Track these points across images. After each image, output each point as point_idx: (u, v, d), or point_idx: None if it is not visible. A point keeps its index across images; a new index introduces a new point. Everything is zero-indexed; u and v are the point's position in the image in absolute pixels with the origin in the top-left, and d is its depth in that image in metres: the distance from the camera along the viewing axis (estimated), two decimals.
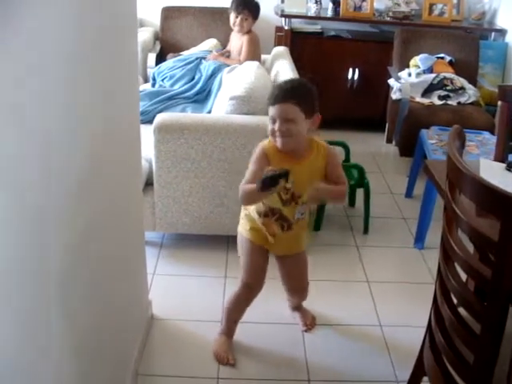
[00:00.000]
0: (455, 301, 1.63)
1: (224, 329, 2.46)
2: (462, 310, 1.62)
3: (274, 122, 2.07)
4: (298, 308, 2.66)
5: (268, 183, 1.94)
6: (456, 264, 1.57)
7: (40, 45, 1.15)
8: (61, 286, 1.38)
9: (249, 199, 2.16)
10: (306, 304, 2.68)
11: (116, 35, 1.78)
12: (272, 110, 2.07)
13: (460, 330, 1.56)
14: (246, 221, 2.29)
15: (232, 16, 3.95)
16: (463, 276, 1.59)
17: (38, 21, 1.14)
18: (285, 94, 2.06)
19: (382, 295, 2.86)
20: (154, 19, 5.02)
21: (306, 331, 2.59)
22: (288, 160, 2.10)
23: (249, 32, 3.96)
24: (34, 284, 1.21)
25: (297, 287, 2.55)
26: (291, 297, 2.61)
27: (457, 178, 1.52)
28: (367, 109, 5.04)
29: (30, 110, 1.13)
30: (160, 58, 4.56)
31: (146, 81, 4.37)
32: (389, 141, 4.86)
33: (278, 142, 2.09)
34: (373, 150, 4.78)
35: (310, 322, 2.62)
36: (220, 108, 3.17)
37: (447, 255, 1.61)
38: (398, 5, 4.92)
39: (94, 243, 1.65)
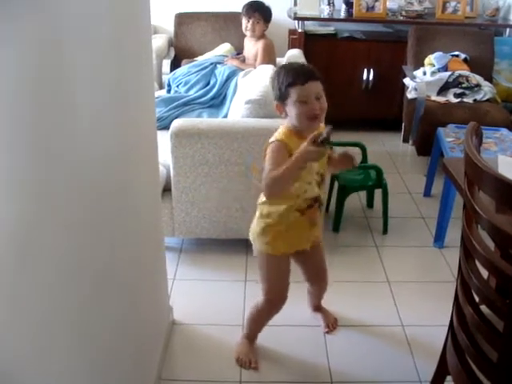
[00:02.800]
0: (477, 299, 1.62)
1: (246, 334, 2.46)
2: (484, 308, 1.61)
3: (305, 102, 1.98)
4: (319, 308, 2.66)
5: (324, 142, 1.87)
6: (477, 262, 1.57)
7: (55, 58, 1.17)
8: (80, 293, 1.39)
9: (283, 181, 1.97)
10: (327, 304, 2.68)
11: (131, 41, 1.79)
12: (302, 90, 1.97)
13: (483, 328, 1.55)
14: (266, 233, 2.18)
15: (244, 21, 3.97)
16: (484, 273, 1.58)
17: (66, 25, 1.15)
18: (310, 72, 2.02)
19: (403, 295, 2.85)
20: (168, 26, 5.05)
21: (327, 333, 2.58)
22: (305, 141, 1.98)
23: (263, 37, 3.97)
24: (57, 292, 1.23)
25: (322, 274, 2.49)
26: (315, 288, 2.57)
27: (475, 175, 1.51)
28: (383, 109, 5.03)
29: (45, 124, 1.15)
30: (175, 65, 4.59)
31: (161, 87, 4.40)
32: (405, 140, 4.83)
33: (312, 123, 2.01)
34: (390, 150, 4.77)
35: (332, 324, 2.61)
36: (236, 112, 3.18)
37: (468, 253, 1.60)
38: (411, 3, 4.90)
39: (114, 250, 1.66)
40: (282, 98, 2.03)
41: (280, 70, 2.08)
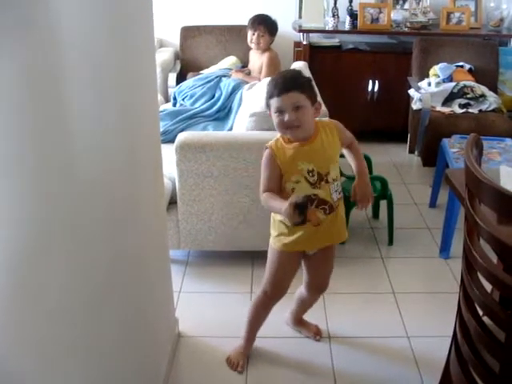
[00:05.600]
0: (479, 310, 1.62)
1: (245, 336, 2.50)
2: (486, 319, 1.61)
3: (281, 113, 2.06)
4: (300, 322, 2.66)
5: (300, 208, 1.93)
6: (479, 274, 1.57)
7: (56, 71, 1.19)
8: (86, 306, 1.40)
9: (270, 210, 2.17)
10: (332, 316, 2.69)
11: (134, 56, 1.82)
12: (278, 102, 2.05)
13: (485, 339, 1.56)
14: (286, 236, 2.22)
15: (249, 34, 4.01)
16: (486, 284, 1.58)
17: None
18: (288, 83, 2.06)
19: (409, 306, 2.85)
20: (174, 39, 5.09)
21: (318, 340, 2.60)
22: (298, 146, 2.12)
23: (268, 50, 4.00)
24: (60, 303, 1.24)
25: (321, 285, 2.48)
26: (308, 297, 2.53)
27: (476, 187, 1.52)
28: (388, 120, 5.04)
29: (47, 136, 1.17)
30: (181, 78, 4.62)
31: (167, 100, 4.42)
32: (411, 151, 4.84)
33: (290, 133, 2.10)
34: (395, 160, 4.78)
35: (318, 330, 2.63)
36: (241, 125, 3.20)
37: (470, 265, 1.61)
38: (416, 15, 4.92)
39: (119, 264, 1.68)
40: (267, 106, 2.14)
41: (269, 80, 2.17)
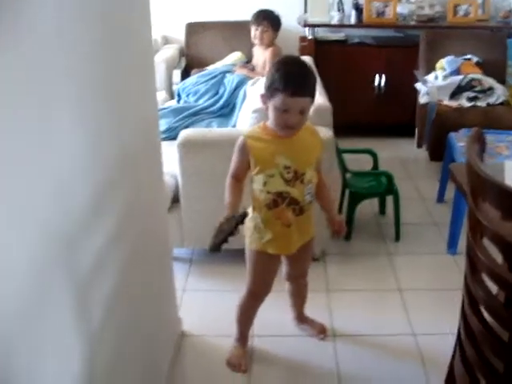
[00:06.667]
0: (483, 310, 1.59)
1: (237, 337, 2.48)
2: (490, 319, 1.58)
3: (285, 112, 1.98)
4: (303, 319, 2.64)
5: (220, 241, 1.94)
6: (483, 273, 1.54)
7: (52, 70, 1.17)
8: (85, 305, 1.39)
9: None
10: (337, 313, 2.66)
11: (130, 52, 1.79)
12: (287, 101, 1.96)
13: (488, 338, 1.52)
14: (257, 234, 2.21)
15: (252, 29, 3.97)
16: (491, 285, 1.55)
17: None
18: (304, 86, 1.99)
19: (415, 303, 2.82)
20: (179, 36, 5.06)
21: (323, 339, 2.57)
22: (276, 141, 2.08)
23: (272, 45, 3.97)
24: (61, 304, 1.22)
25: (300, 274, 2.48)
26: (293, 288, 2.55)
27: (478, 184, 1.48)
28: (396, 114, 5.00)
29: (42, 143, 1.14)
30: (186, 74, 4.59)
31: (171, 97, 4.40)
32: (419, 145, 4.80)
33: (286, 131, 2.05)
34: (403, 155, 4.74)
35: (322, 329, 2.60)
36: (244, 121, 3.17)
37: (473, 264, 1.57)
38: (422, 8, 4.86)
39: (120, 264, 1.66)
40: (268, 92, 2.02)
41: (279, 64, 2.04)
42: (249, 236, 2.25)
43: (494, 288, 1.54)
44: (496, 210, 1.45)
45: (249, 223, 2.22)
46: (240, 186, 2.15)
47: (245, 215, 2.03)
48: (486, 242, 1.52)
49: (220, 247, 1.93)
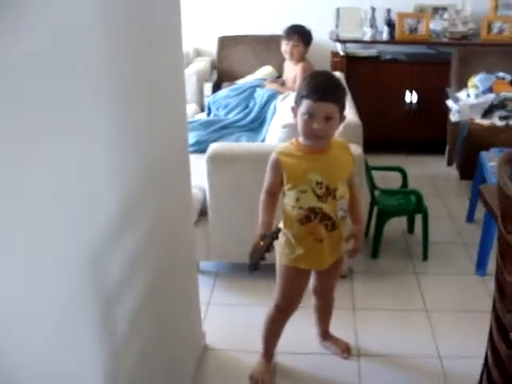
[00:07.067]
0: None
1: (263, 352, 2.46)
2: None
3: (311, 117, 2.01)
4: (327, 336, 2.61)
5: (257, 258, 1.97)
6: None
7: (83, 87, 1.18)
8: (111, 318, 1.39)
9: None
10: (362, 332, 2.63)
11: (162, 65, 1.81)
12: (312, 106, 2.00)
13: None
14: (288, 250, 2.21)
15: (283, 44, 3.98)
16: None
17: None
18: (329, 92, 2.02)
19: (442, 324, 2.78)
20: (211, 48, 5.11)
21: (346, 358, 2.54)
22: (309, 155, 2.10)
23: (302, 60, 3.97)
24: (86, 317, 1.23)
25: (327, 288, 2.47)
26: (319, 304, 2.54)
27: (509, 207, 1.46)
28: (427, 132, 4.96)
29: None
30: (217, 87, 4.62)
31: (202, 110, 4.42)
32: (449, 164, 4.76)
33: (312, 140, 2.07)
34: (433, 173, 4.69)
35: (347, 348, 2.57)
36: (273, 136, 3.17)
37: (502, 289, 1.54)
38: (455, 25, 4.83)
39: (145, 277, 1.67)
40: (297, 103, 2.08)
41: (308, 77, 2.12)
42: (279, 251, 2.24)
43: None
44: None
45: (280, 239, 2.21)
46: (274, 202, 2.15)
47: (278, 231, 2.06)
48: None
49: (258, 265, 1.97)
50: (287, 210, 2.17)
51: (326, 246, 2.18)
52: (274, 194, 2.15)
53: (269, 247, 1.98)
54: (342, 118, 2.10)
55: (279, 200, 2.19)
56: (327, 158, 2.12)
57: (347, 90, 3.61)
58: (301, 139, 2.12)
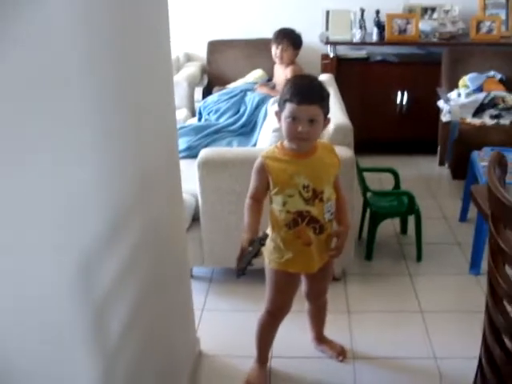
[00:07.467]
0: (505, 337, 1.55)
1: (257, 357, 2.46)
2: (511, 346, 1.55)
3: (295, 121, 2.00)
4: (322, 340, 2.61)
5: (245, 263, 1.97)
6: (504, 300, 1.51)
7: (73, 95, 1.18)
8: (103, 324, 1.39)
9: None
10: (357, 334, 2.63)
11: (151, 71, 1.80)
12: (295, 109, 1.99)
13: (510, 366, 1.49)
14: (277, 254, 2.20)
15: (273, 48, 3.99)
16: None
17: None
18: (312, 95, 2.02)
19: (437, 325, 2.77)
20: (201, 53, 5.10)
21: (342, 361, 2.54)
22: (295, 159, 2.09)
23: (292, 64, 3.97)
24: (78, 324, 1.22)
25: (319, 292, 2.46)
26: (312, 308, 2.54)
27: (499, 210, 1.46)
28: (418, 132, 4.96)
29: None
30: (208, 92, 4.62)
31: (193, 115, 4.42)
32: (441, 163, 4.77)
33: (296, 143, 2.06)
34: (425, 173, 4.70)
35: (342, 351, 2.57)
36: (265, 140, 3.16)
37: (494, 290, 1.54)
38: (444, 25, 4.84)
39: (138, 283, 1.66)
40: (280, 107, 2.08)
41: (289, 81, 2.11)
42: (268, 256, 2.24)
43: None
44: None
45: (268, 243, 2.21)
46: (259, 208, 2.15)
47: (266, 237, 2.05)
48: (508, 267, 1.49)
49: (245, 271, 1.97)
50: (275, 215, 2.16)
51: (314, 250, 2.18)
52: (258, 199, 2.15)
53: (257, 253, 1.97)
54: (327, 120, 2.09)
55: (266, 205, 2.18)
56: (313, 161, 2.11)
57: (338, 91, 3.64)
58: (286, 143, 2.11)
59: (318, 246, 2.19)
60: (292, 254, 2.17)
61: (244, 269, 1.95)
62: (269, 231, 2.20)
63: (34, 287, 1.06)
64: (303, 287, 2.42)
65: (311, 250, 2.18)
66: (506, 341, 1.55)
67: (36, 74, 1.04)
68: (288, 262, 2.19)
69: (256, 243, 1.99)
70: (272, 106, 3.50)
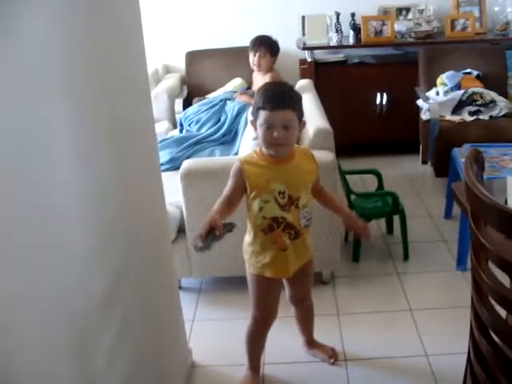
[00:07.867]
0: (491, 331, 1.57)
1: (248, 365, 2.46)
2: (498, 340, 1.56)
3: (269, 128, 2.01)
4: (312, 344, 2.62)
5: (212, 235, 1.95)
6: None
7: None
8: (91, 340, 1.39)
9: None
10: (348, 336, 2.65)
11: (126, 83, 1.80)
12: (268, 116, 2.00)
13: (497, 359, 1.51)
14: (255, 258, 2.21)
15: (250, 55, 4.00)
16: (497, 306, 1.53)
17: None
18: (284, 100, 2.03)
19: (427, 323, 2.79)
20: (180, 64, 5.10)
21: (333, 363, 2.55)
22: (272, 165, 2.10)
23: (270, 70, 3.99)
24: (67, 336, 1.22)
25: (302, 297, 2.47)
26: (298, 313, 2.54)
27: (478, 207, 1.47)
28: (399, 132, 4.98)
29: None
30: (188, 103, 4.62)
31: (174, 127, 4.42)
32: (424, 162, 4.79)
33: (274, 149, 2.07)
34: (409, 172, 4.73)
35: (333, 353, 2.58)
36: (246, 148, 3.17)
37: (478, 286, 1.56)
38: (419, 24, 4.88)
39: (126, 298, 1.66)
40: (254, 116, 2.09)
41: (261, 89, 2.11)
42: (247, 260, 2.26)
43: (500, 309, 1.53)
44: (498, 232, 1.43)
45: (247, 248, 2.23)
46: (230, 207, 2.12)
47: (234, 226, 2.03)
48: (491, 263, 1.51)
49: (205, 250, 1.95)
50: (252, 220, 2.18)
51: (290, 255, 2.19)
52: (231, 200, 2.12)
53: (220, 237, 1.96)
54: (302, 122, 2.11)
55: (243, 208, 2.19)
56: (290, 168, 2.13)
57: (317, 96, 3.67)
58: (264, 149, 2.12)
59: (294, 250, 2.21)
60: (269, 258, 2.18)
61: (206, 247, 1.94)
62: (247, 236, 2.22)
63: (20, 300, 1.06)
64: (286, 292, 2.43)
65: (287, 255, 2.19)
66: (493, 335, 1.56)
67: (8, 90, 1.04)
68: (265, 267, 2.20)
69: (227, 227, 1.99)
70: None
